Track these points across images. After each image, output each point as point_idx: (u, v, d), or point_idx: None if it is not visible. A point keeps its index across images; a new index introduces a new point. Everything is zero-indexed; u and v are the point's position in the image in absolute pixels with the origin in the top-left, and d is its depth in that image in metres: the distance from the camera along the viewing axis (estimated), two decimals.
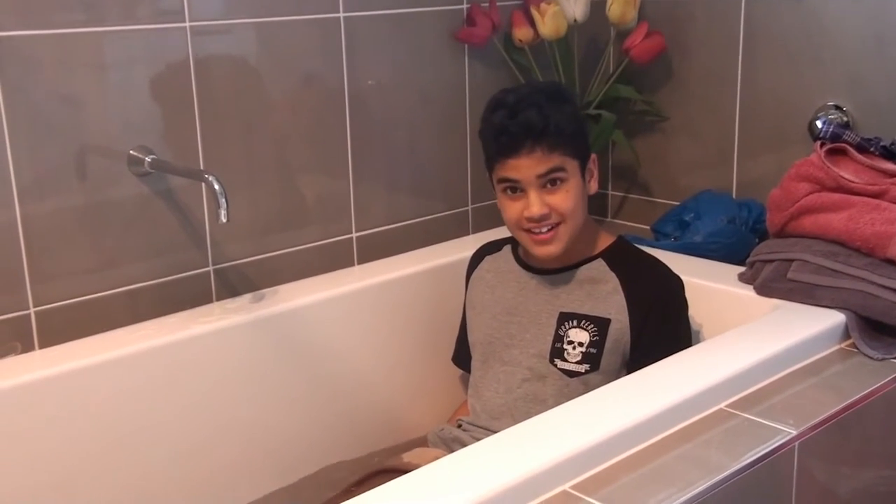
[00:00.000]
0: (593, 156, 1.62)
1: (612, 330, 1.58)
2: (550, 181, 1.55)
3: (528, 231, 1.58)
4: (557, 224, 1.56)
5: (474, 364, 1.72)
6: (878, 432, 1.48)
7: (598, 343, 1.58)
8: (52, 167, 1.59)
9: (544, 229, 1.57)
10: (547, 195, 1.55)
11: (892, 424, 1.49)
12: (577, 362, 1.58)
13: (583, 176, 1.59)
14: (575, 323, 1.60)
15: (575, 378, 1.58)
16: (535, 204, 1.54)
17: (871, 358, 1.50)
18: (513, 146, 1.54)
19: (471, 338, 1.75)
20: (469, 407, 1.72)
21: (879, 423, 1.46)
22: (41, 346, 1.60)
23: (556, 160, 1.53)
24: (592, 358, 1.58)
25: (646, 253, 1.68)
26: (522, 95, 1.56)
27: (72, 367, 1.53)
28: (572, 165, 1.56)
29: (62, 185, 1.60)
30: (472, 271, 1.79)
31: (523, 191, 1.56)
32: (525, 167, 1.54)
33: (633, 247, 1.69)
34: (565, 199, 1.55)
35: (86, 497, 1.54)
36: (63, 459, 1.51)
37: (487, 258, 1.77)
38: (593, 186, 1.63)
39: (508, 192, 1.58)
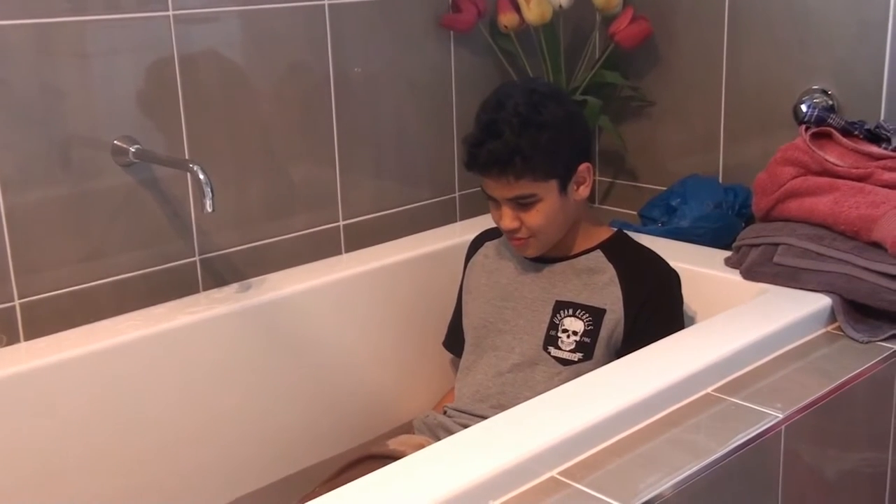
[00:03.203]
0: (585, 165, 1.60)
1: (607, 320, 1.59)
2: (520, 204, 1.57)
3: (506, 232, 1.63)
4: (529, 236, 1.60)
5: (466, 348, 1.73)
6: (863, 414, 1.49)
7: (592, 332, 1.59)
8: (36, 158, 1.57)
9: (517, 235, 1.61)
10: (519, 211, 1.58)
11: (878, 406, 1.50)
12: (571, 351, 1.59)
13: (564, 189, 1.58)
14: (570, 312, 1.61)
15: (567, 366, 1.59)
16: (505, 218, 1.59)
17: (857, 341, 1.50)
18: (480, 170, 1.57)
19: (465, 322, 1.75)
20: (455, 391, 1.73)
21: (865, 405, 1.47)
22: (26, 338, 1.59)
23: (522, 188, 1.54)
24: (586, 347, 1.59)
25: (644, 247, 1.68)
26: (496, 117, 1.54)
27: (57, 359, 1.52)
28: (545, 187, 1.55)
29: (46, 176, 1.59)
30: (471, 256, 1.80)
31: (499, 202, 1.59)
32: (494, 188, 1.58)
33: (632, 240, 1.70)
34: (535, 217, 1.57)
35: (72, 489, 1.54)
36: (49, 451, 1.51)
37: (487, 244, 1.78)
38: (583, 193, 1.62)
39: (488, 199, 1.62)
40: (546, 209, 1.57)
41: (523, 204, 1.57)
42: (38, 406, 1.50)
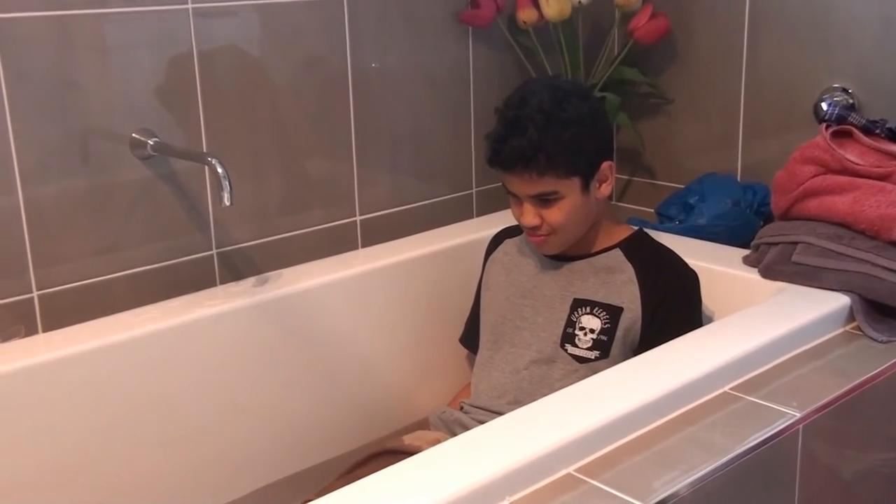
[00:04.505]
0: (608, 163, 1.60)
1: (624, 319, 1.58)
2: (542, 201, 1.56)
3: (527, 229, 1.63)
4: (549, 233, 1.60)
5: (483, 345, 1.73)
6: (882, 415, 1.48)
7: (609, 331, 1.58)
8: (55, 150, 1.58)
9: (538, 232, 1.60)
10: (541, 208, 1.58)
11: None
12: (588, 348, 1.59)
13: (587, 186, 1.58)
14: (588, 309, 1.61)
15: (584, 364, 1.59)
16: (527, 215, 1.59)
17: (876, 340, 1.49)
18: (504, 166, 1.57)
19: (483, 318, 1.75)
20: (472, 387, 1.73)
21: (883, 405, 1.46)
22: (44, 330, 1.60)
23: (546, 185, 1.54)
24: (603, 345, 1.58)
25: (664, 246, 1.68)
26: (521, 114, 1.54)
27: (75, 351, 1.53)
28: (568, 184, 1.55)
29: (65, 169, 1.60)
30: (491, 253, 1.80)
31: (520, 199, 1.59)
32: (517, 185, 1.57)
33: (651, 239, 1.70)
34: (557, 214, 1.57)
35: (89, 479, 1.54)
36: (66, 443, 1.52)
37: (507, 241, 1.78)
38: (605, 191, 1.62)
39: (509, 195, 1.62)
40: (568, 207, 1.56)
41: (545, 201, 1.56)
42: (55, 397, 1.50)
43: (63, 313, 1.62)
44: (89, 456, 1.54)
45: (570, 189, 1.56)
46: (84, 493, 1.54)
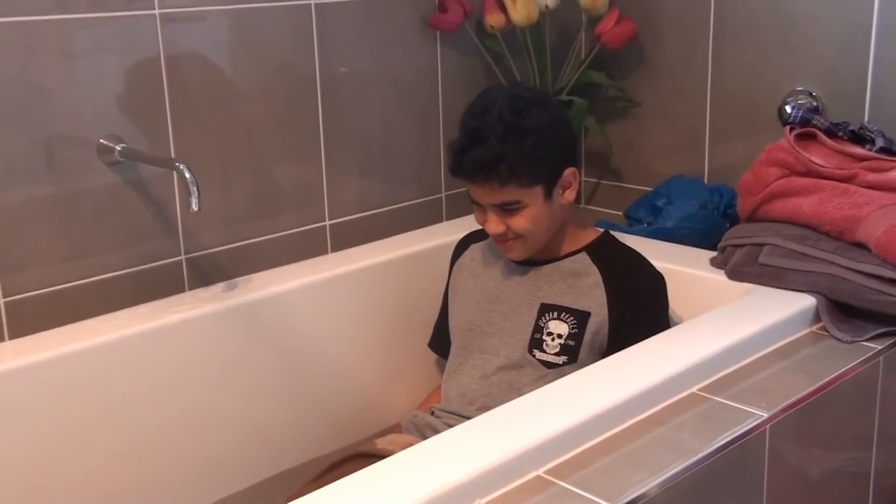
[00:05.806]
0: (571, 170, 1.61)
1: (592, 323, 1.59)
2: (505, 209, 1.57)
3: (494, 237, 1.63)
4: (515, 238, 1.60)
5: (453, 350, 1.73)
6: (847, 414, 1.49)
7: (576, 335, 1.59)
8: (21, 156, 1.57)
9: (504, 238, 1.61)
10: (505, 216, 1.58)
11: (861, 406, 1.51)
12: (556, 354, 1.59)
13: (549, 194, 1.58)
14: (555, 315, 1.61)
15: (553, 369, 1.59)
16: (491, 223, 1.60)
17: (841, 341, 1.51)
18: (466, 176, 1.57)
19: (451, 324, 1.75)
20: (442, 393, 1.73)
21: (849, 404, 1.48)
22: (11, 337, 1.58)
23: (508, 194, 1.55)
24: (570, 350, 1.59)
25: (630, 249, 1.69)
26: (481, 124, 1.54)
27: (42, 358, 1.52)
28: (530, 193, 1.56)
29: (31, 175, 1.58)
30: (457, 258, 1.80)
31: (484, 207, 1.60)
32: (480, 194, 1.58)
33: (618, 242, 1.70)
34: (521, 222, 1.58)
35: (56, 488, 1.53)
36: (34, 451, 1.50)
37: (473, 246, 1.78)
38: (569, 197, 1.62)
39: (473, 203, 1.62)
40: (531, 214, 1.57)
41: (509, 209, 1.57)
42: (22, 405, 1.49)
43: (30, 320, 1.60)
44: (55, 464, 1.52)
45: (532, 197, 1.56)
46: (50, 501, 1.52)
